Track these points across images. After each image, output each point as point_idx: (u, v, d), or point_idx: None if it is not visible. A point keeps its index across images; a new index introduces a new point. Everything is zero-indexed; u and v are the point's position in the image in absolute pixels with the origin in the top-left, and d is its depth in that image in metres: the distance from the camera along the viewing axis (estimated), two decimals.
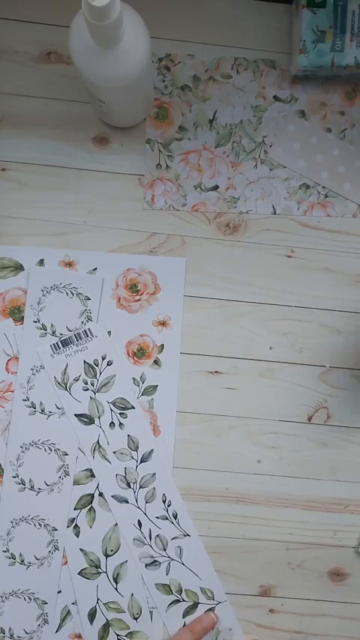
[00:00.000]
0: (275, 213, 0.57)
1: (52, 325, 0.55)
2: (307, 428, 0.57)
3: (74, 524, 0.55)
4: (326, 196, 0.57)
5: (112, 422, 0.55)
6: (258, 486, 0.57)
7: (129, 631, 0.55)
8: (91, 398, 0.55)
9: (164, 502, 0.56)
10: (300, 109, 0.57)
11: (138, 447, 0.56)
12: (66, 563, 0.55)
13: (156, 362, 0.56)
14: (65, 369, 0.55)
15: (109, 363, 0.55)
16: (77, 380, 0.55)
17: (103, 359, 0.55)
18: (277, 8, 0.57)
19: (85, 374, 0.55)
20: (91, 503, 0.55)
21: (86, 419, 0.55)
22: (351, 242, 0.58)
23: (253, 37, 0.57)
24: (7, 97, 0.56)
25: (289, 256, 0.57)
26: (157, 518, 0.56)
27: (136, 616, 0.55)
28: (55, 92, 0.56)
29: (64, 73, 0.56)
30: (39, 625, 0.55)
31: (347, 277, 0.58)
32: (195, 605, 0.56)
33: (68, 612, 0.55)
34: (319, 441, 0.57)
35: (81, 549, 0.55)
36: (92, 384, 0.55)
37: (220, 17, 0.56)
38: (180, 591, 0.56)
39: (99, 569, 0.55)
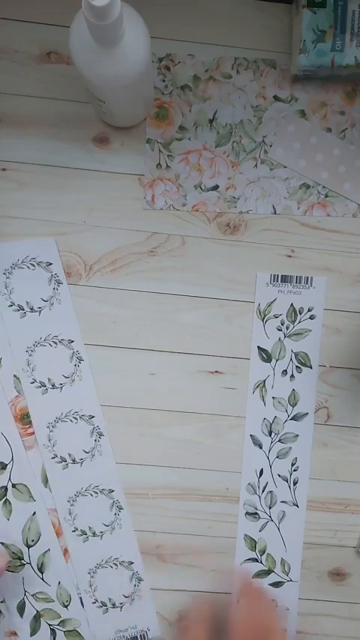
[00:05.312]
0: (275, 213, 0.57)
1: (27, 303, 0.56)
2: None
3: None
4: (326, 196, 0.57)
5: (285, 370, 0.56)
6: None
7: (60, 620, 0.55)
8: (279, 339, 0.56)
9: (292, 465, 0.56)
10: (300, 108, 0.57)
11: (296, 404, 0.56)
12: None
13: None
14: (271, 302, 0.56)
15: (311, 317, 0.56)
16: (277, 317, 0.56)
17: (309, 310, 0.56)
18: (277, 8, 0.57)
19: (286, 315, 0.56)
20: (5, 495, 0.55)
21: (265, 355, 0.56)
22: (351, 242, 0.58)
23: (253, 37, 0.57)
24: (7, 97, 0.56)
25: (289, 256, 0.57)
26: (279, 476, 0.56)
27: (66, 603, 0.55)
28: (55, 92, 0.56)
29: (64, 73, 0.56)
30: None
31: (347, 277, 0.58)
32: (268, 572, 0.56)
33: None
34: (319, 441, 0.57)
35: (2, 543, 0.55)
36: (287, 328, 0.56)
37: (220, 17, 0.56)
38: (263, 552, 0.56)
39: (22, 561, 0.55)
